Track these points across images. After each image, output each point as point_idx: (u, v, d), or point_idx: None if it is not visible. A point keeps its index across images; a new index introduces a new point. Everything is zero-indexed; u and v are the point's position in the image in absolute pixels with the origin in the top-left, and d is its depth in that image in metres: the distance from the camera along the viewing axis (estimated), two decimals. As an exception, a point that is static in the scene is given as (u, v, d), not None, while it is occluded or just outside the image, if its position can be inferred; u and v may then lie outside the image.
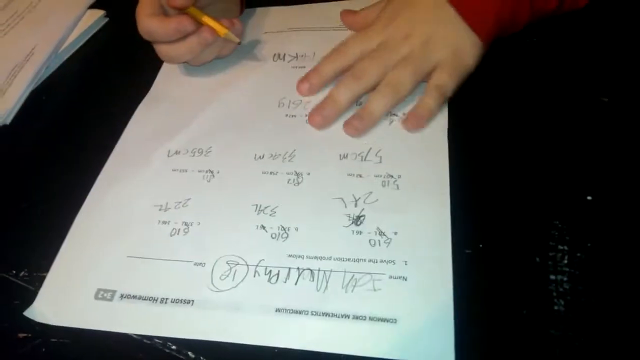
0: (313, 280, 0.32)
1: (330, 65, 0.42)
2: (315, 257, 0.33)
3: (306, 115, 0.41)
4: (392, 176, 0.36)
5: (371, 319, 0.30)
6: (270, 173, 0.38)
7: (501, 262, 0.32)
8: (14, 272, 0.36)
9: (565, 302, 0.30)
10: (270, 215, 0.35)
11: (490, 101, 0.40)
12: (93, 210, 0.38)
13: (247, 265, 0.33)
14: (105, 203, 0.38)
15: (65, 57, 0.52)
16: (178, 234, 0.36)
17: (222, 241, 0.35)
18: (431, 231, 0.33)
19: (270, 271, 0.33)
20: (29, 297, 0.34)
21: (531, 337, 0.29)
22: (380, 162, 0.37)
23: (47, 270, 0.35)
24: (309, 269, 0.33)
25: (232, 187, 0.38)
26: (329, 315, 0.31)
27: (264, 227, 0.35)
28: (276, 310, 0.31)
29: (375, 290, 0.31)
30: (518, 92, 0.40)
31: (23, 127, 0.46)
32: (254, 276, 0.33)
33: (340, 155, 0.38)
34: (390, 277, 0.32)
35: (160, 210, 0.37)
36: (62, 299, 0.34)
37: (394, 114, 0.40)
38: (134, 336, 0.32)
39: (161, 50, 0.43)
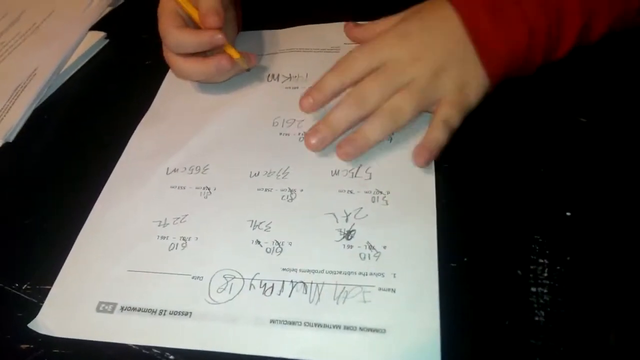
0: (306, 292, 0.33)
1: (335, 80, 0.39)
2: (308, 271, 0.34)
3: (299, 134, 0.42)
4: (381, 192, 0.38)
5: (361, 329, 0.31)
6: (265, 190, 0.39)
7: (485, 275, 0.33)
8: (17, 285, 0.37)
9: (545, 313, 0.31)
10: (265, 230, 0.37)
11: (475, 121, 0.40)
12: (95, 226, 0.39)
13: (243, 278, 0.34)
14: (106, 219, 0.39)
15: (67, 77, 0.53)
16: (176, 248, 0.37)
17: (219, 255, 0.36)
18: (419, 245, 0.34)
19: (265, 284, 0.34)
20: (32, 309, 0.35)
21: (513, 346, 0.30)
22: (370, 178, 0.38)
23: (49, 283, 0.36)
24: (302, 281, 0.34)
25: (228, 203, 0.39)
26: (321, 326, 0.32)
27: (259, 242, 0.36)
28: (271, 322, 0.32)
29: (365, 301, 0.32)
30: (500, 113, 0.41)
31: (26, 144, 0.47)
32: (250, 289, 0.34)
33: (332, 171, 0.39)
34: (380, 289, 0.33)
35: (159, 225, 0.38)
36: (65, 312, 0.34)
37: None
38: (134, 347, 0.32)
39: (179, 65, 0.44)
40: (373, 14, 0.48)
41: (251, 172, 0.40)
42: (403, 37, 0.39)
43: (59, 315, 0.34)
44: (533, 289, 0.32)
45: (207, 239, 0.37)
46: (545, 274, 0.33)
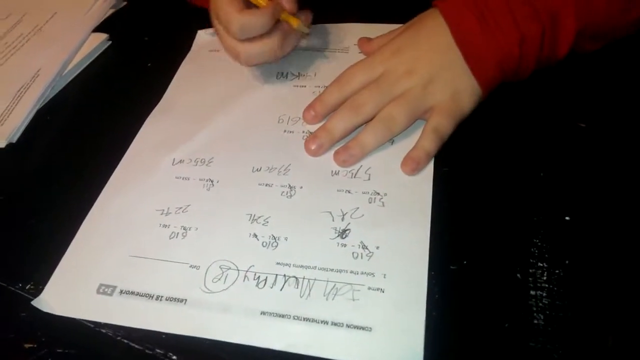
0: (297, 287, 0.34)
1: (335, 94, 0.42)
2: (301, 266, 0.35)
3: (304, 132, 0.43)
4: (378, 194, 0.38)
5: (348, 326, 0.32)
6: (266, 185, 0.40)
7: (484, 277, 0.34)
8: (20, 285, 0.37)
9: (544, 317, 0.31)
10: (262, 224, 0.38)
11: (475, 125, 0.41)
12: (100, 213, 0.40)
13: (238, 270, 0.35)
14: (111, 206, 0.40)
15: (70, 79, 0.53)
16: (177, 237, 0.38)
17: (217, 246, 0.37)
18: (411, 248, 0.35)
19: (259, 277, 0.35)
20: (35, 309, 0.35)
21: (512, 349, 0.31)
22: (369, 179, 0.39)
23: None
24: (294, 276, 0.35)
25: (229, 196, 0.40)
26: (309, 320, 0.32)
27: (256, 236, 0.37)
28: (261, 313, 0.33)
29: (354, 299, 0.33)
30: (499, 117, 0.41)
31: (29, 145, 0.47)
32: (244, 280, 0.35)
33: (332, 171, 0.40)
34: (369, 288, 0.33)
35: (161, 214, 0.39)
36: (67, 292, 0.36)
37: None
38: (137, 347, 0.33)
39: (248, 50, 0.43)
40: (383, 14, 0.49)
41: (253, 167, 0.41)
42: (395, 52, 0.42)
43: (62, 295, 0.36)
44: (532, 293, 0.33)
45: (207, 229, 0.38)
46: (545, 278, 0.33)
